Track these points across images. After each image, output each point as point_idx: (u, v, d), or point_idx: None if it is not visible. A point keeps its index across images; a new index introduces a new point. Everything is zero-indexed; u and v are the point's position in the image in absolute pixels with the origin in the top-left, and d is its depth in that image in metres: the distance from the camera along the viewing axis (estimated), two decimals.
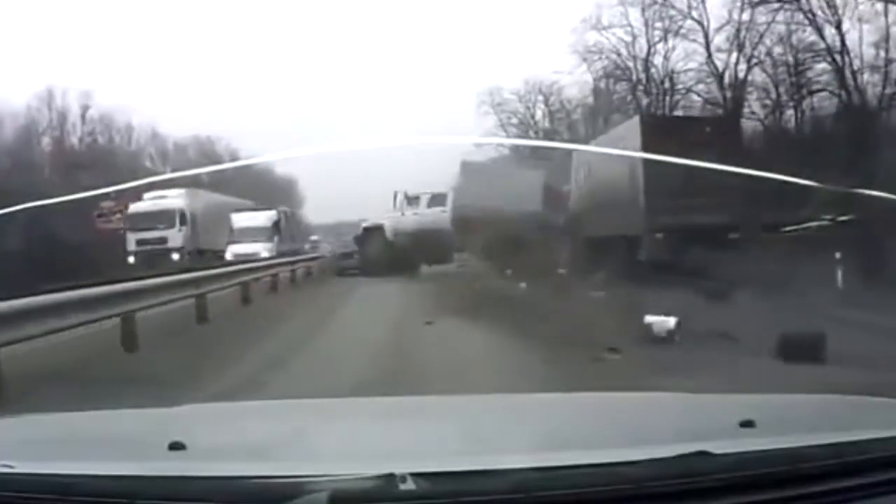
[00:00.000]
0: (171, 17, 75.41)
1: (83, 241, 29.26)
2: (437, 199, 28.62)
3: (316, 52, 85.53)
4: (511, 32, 78.82)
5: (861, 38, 25.27)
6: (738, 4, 27.62)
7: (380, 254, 28.54)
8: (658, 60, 31.07)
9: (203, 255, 32.63)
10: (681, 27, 29.85)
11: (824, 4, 25.27)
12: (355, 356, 9.07)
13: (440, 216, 27.89)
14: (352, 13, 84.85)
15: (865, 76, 25.45)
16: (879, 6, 24.40)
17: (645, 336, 9.58)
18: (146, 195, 33.26)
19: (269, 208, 37.38)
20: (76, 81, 46.93)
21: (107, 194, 30.36)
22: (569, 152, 26.45)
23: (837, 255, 15.53)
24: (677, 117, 26.77)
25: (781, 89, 28.08)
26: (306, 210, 61.93)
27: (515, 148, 43.98)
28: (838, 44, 25.36)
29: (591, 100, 36.59)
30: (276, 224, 36.77)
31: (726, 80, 29.03)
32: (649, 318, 9.83)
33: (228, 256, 32.02)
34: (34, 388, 6.68)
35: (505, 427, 2.14)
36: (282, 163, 57.82)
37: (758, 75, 28.79)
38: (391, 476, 1.36)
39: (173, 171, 46.81)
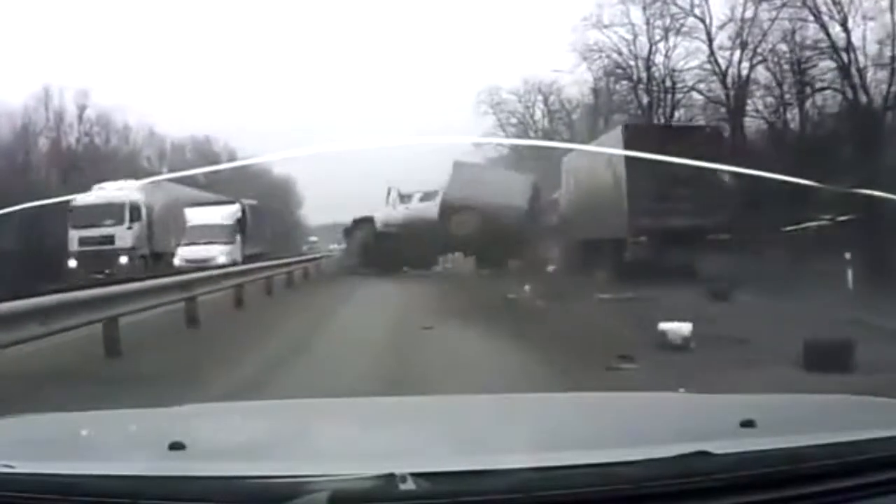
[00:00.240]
0: (169, 15, 75.54)
1: None
2: (427, 196, 29.83)
3: (314, 52, 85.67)
4: (510, 32, 78.95)
5: (865, 35, 25.03)
6: (742, 1, 27.44)
7: (368, 244, 29.34)
8: (659, 59, 30.84)
9: (160, 260, 28.30)
10: (682, 25, 29.63)
11: (829, 1, 25.07)
12: (352, 363, 8.62)
13: (429, 208, 29.10)
14: (350, 13, 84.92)
15: (870, 74, 25.21)
16: (884, 2, 24.26)
17: (661, 343, 9.13)
18: (95, 186, 28.93)
19: (233, 201, 31.98)
20: (73, 81, 47.02)
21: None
22: (562, 155, 26.98)
23: (847, 255, 15.42)
24: (659, 126, 26.84)
25: (785, 87, 27.76)
26: (305, 210, 61.88)
27: (514, 148, 44.10)
28: (843, 41, 25.15)
29: (590, 99, 36.45)
30: (240, 221, 31.50)
31: (729, 78, 28.80)
32: (664, 325, 9.42)
33: (177, 262, 27.54)
34: (7, 395, 6.21)
35: (505, 427, 2.14)
36: (280, 163, 57.80)
37: (761, 73, 28.54)
38: (391, 476, 1.37)
39: (171, 171, 46.80)
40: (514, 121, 45.55)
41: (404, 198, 30.66)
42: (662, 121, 30.25)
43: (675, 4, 29.43)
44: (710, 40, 28.95)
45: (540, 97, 45.06)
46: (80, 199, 25.71)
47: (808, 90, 27.10)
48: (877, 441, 1.58)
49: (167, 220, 29.53)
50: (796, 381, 6.82)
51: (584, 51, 31.68)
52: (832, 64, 25.86)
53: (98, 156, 39.62)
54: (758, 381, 6.66)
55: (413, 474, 1.37)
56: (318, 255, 36.02)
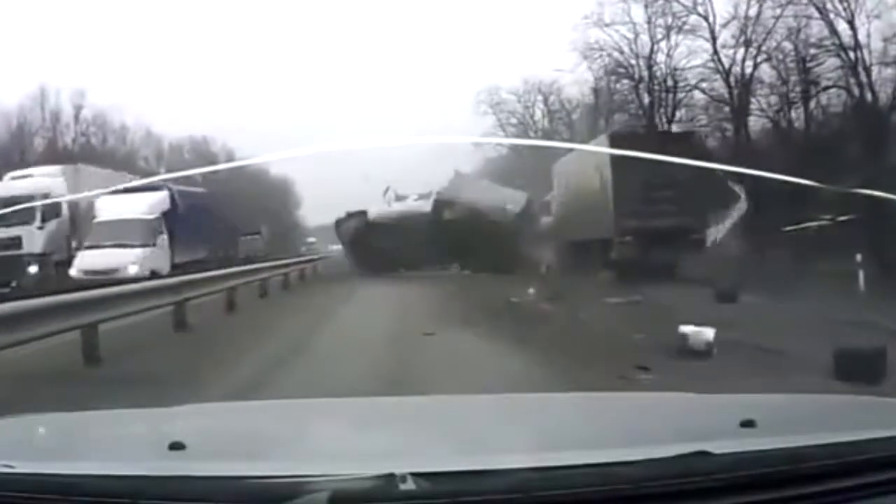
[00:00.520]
0: (167, 14, 75.43)
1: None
2: (423, 196, 30.98)
3: (313, 52, 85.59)
4: (510, 31, 78.97)
5: (869, 33, 24.81)
6: None
7: (361, 239, 29.76)
8: (661, 58, 30.64)
9: (172, 267, 22.76)
10: (685, 23, 29.42)
11: None
12: (348, 369, 8.06)
13: (423, 205, 30.27)
14: (348, 12, 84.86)
15: (874, 72, 25.02)
16: (891, 0, 24.13)
17: (681, 348, 8.55)
18: (7, 175, 24.25)
19: (159, 186, 24.01)
20: (69, 81, 46.93)
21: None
22: (562, 155, 27.46)
23: (858, 257, 15.33)
24: (644, 133, 27.64)
25: (790, 86, 27.54)
26: (304, 211, 61.64)
27: (514, 148, 44.09)
28: (849, 39, 24.97)
29: (591, 99, 36.29)
30: (167, 216, 24.12)
31: (732, 77, 28.57)
32: (685, 328, 8.80)
33: (73, 272, 21.22)
34: None
35: (504, 427, 2.14)
36: (278, 163, 57.59)
37: (765, 72, 28.32)
38: (391, 476, 1.37)
39: (168, 171, 46.62)
40: (513, 121, 45.61)
41: (400, 197, 31.60)
42: (664, 120, 30.33)
43: (678, 2, 29.32)
44: (714, 38, 28.78)
45: (540, 97, 45.10)
46: None
47: (814, 89, 26.88)
48: (877, 441, 1.58)
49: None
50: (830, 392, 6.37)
51: (585, 50, 31.54)
52: (837, 62, 25.70)
53: (94, 156, 39.42)
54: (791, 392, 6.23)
55: (413, 474, 1.37)
56: (316, 257, 35.40)
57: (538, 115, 45.71)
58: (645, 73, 31.03)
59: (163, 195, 24.23)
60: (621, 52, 31.27)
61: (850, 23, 24.83)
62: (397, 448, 1.92)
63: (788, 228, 21.97)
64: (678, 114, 30.90)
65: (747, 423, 1.71)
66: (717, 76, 29.10)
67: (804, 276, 16.04)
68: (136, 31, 73.43)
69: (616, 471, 1.43)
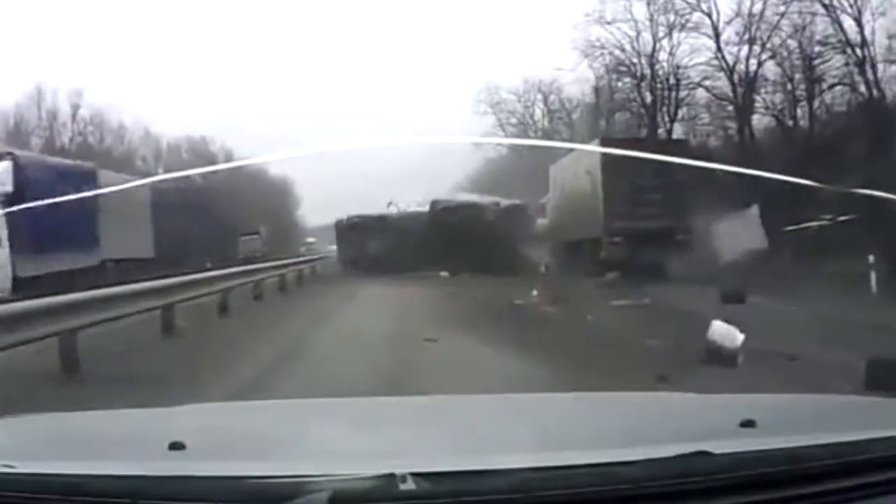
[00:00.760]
0: (165, 13, 75.35)
1: None
2: (422, 204, 32.20)
3: (312, 51, 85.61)
4: (510, 30, 78.92)
5: (874, 30, 24.69)
6: None
7: (361, 239, 30.35)
8: (663, 56, 30.55)
9: (17, 284, 16.62)
10: (688, 20, 29.29)
11: None
12: (345, 377, 7.51)
13: (420, 209, 31.67)
14: (347, 11, 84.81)
15: (880, 69, 24.95)
16: None
17: (709, 352, 7.92)
18: None
19: None
20: (66, 80, 46.92)
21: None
22: (561, 156, 28.01)
23: (871, 258, 15.19)
24: (632, 139, 28.45)
25: (794, 83, 27.40)
26: (303, 211, 61.54)
27: (514, 147, 44.11)
28: (855, 35, 24.87)
29: (591, 98, 36.13)
30: (10, 198, 16.82)
31: (736, 74, 28.45)
32: (716, 327, 8.12)
33: None
34: None
35: (505, 427, 2.14)
36: (278, 163, 57.44)
37: (769, 70, 28.22)
38: (391, 476, 1.37)
39: (167, 171, 46.60)
40: (513, 120, 45.55)
41: (400, 209, 32.84)
42: (667, 119, 30.37)
43: None
44: (717, 36, 28.63)
45: (540, 96, 45.04)
46: None
47: (820, 86, 26.69)
48: (877, 441, 1.58)
49: (39, 218, 16.86)
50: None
51: (586, 48, 31.46)
52: (843, 59, 25.57)
53: (92, 155, 39.33)
54: None
55: (413, 474, 1.37)
56: (315, 257, 35.12)
57: (538, 114, 45.68)
58: (647, 72, 30.93)
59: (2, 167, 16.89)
60: (623, 51, 31.22)
61: (857, 20, 24.72)
62: (397, 448, 1.92)
63: (789, 228, 21.98)
64: (680, 112, 30.81)
65: (747, 423, 1.71)
66: (721, 74, 29.02)
67: (809, 277, 15.91)
68: (134, 30, 73.40)
69: (616, 471, 1.43)
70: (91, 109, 44.91)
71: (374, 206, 33.30)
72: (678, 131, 31.16)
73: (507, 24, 79.26)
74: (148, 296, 10.91)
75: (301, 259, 31.20)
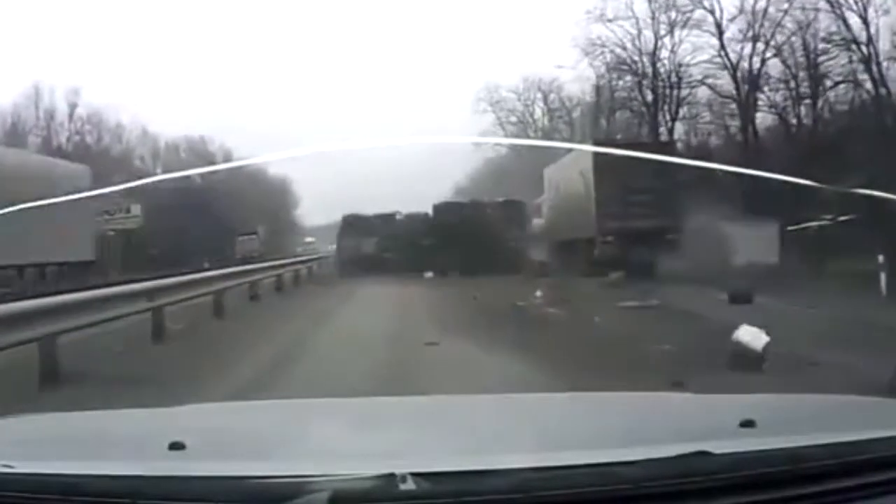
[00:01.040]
0: (164, 12, 75.31)
1: None
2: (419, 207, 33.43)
3: (311, 51, 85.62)
4: (510, 28, 78.91)
5: (878, 28, 24.57)
6: None
7: (362, 239, 30.77)
8: (665, 54, 30.42)
9: None
10: (690, 18, 29.18)
11: None
12: (347, 374, 7.60)
13: (420, 209, 32.77)
14: (347, 11, 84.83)
15: (884, 67, 24.83)
16: None
17: (735, 354, 7.56)
18: None
19: None
20: (64, 79, 46.88)
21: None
22: (562, 156, 28.34)
23: (881, 258, 14.95)
24: (623, 142, 29.09)
25: (798, 81, 27.27)
26: (302, 210, 61.50)
27: (513, 146, 44.08)
28: (860, 32, 24.75)
29: (592, 97, 36.01)
30: None
31: (739, 72, 28.30)
32: (742, 331, 7.72)
33: None
34: None
35: (505, 427, 2.14)
36: (277, 163, 57.35)
37: (773, 67, 28.09)
38: (391, 476, 1.37)
39: (165, 171, 46.55)
40: (513, 119, 45.50)
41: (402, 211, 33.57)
42: (668, 117, 30.38)
43: None
44: (720, 33, 28.47)
45: (539, 95, 45.00)
46: None
47: (824, 84, 26.51)
48: (877, 441, 1.58)
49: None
50: None
51: (587, 46, 31.36)
52: (847, 56, 25.44)
53: (89, 155, 39.33)
54: None
55: (413, 474, 1.37)
56: (313, 257, 35.14)
57: (538, 113, 45.63)
58: (648, 70, 30.83)
59: None
60: (624, 48, 31.12)
61: (862, 16, 24.58)
62: (397, 448, 1.92)
63: (791, 228, 21.98)
64: (681, 111, 30.73)
65: (747, 423, 1.71)
66: (723, 72, 28.89)
67: (815, 277, 15.82)
68: (133, 29, 73.30)
69: (616, 471, 1.43)
70: (89, 109, 44.91)
71: (373, 206, 33.41)
72: (679, 130, 31.20)
73: (508, 23, 79.36)
74: (138, 298, 10.57)
75: (299, 259, 31.16)
